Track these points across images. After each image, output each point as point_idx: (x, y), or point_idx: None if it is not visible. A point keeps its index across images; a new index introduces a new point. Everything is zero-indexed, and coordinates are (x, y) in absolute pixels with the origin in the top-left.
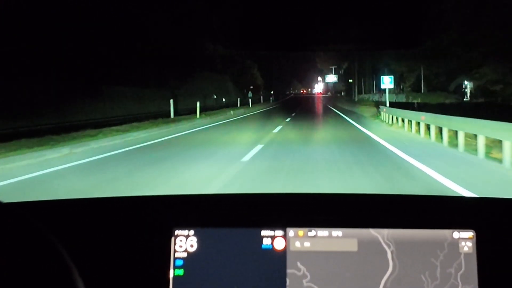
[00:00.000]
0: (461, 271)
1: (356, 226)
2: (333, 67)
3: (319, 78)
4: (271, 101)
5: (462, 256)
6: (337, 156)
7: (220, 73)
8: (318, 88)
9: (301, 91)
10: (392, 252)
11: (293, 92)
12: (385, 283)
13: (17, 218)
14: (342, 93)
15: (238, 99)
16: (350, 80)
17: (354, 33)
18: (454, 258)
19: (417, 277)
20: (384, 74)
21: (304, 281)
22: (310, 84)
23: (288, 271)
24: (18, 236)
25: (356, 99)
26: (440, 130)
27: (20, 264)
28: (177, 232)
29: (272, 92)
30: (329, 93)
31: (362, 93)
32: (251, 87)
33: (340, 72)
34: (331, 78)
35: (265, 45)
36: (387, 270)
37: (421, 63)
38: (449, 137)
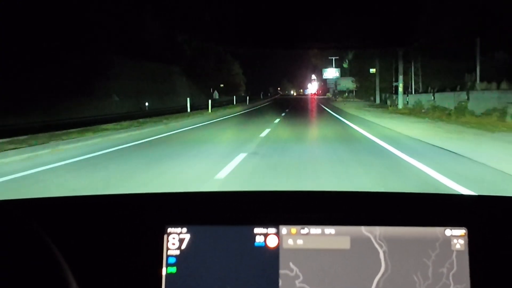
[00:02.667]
0: (453, 271)
1: (349, 223)
2: (333, 58)
3: (313, 76)
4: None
5: (454, 254)
6: None
7: (167, 63)
8: (313, 88)
9: (280, 92)
10: (384, 252)
11: (280, 93)
12: (378, 283)
13: (9, 216)
14: (346, 94)
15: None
16: (372, 70)
17: (347, 31)
18: (446, 257)
19: (409, 277)
20: None
21: (296, 281)
22: (302, 83)
23: (281, 271)
24: (10, 233)
25: (399, 104)
26: None
27: (11, 261)
28: (169, 229)
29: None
30: (328, 93)
31: (410, 92)
32: (222, 85)
33: (343, 64)
34: (331, 73)
35: (256, 43)
36: (379, 269)
37: None
38: None
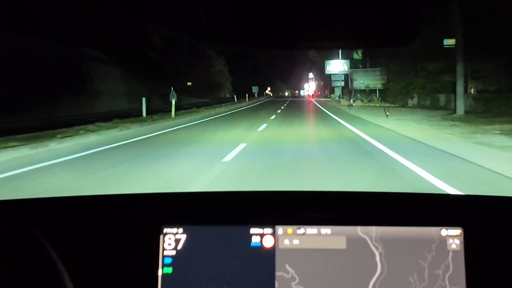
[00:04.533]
0: (449, 272)
1: (345, 223)
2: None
3: (310, 75)
4: None
5: (450, 254)
6: None
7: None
8: (310, 88)
9: (269, 93)
10: (380, 254)
11: (270, 94)
12: (374, 284)
13: (4, 215)
14: (359, 96)
15: None
16: (449, 41)
17: (344, 30)
18: (442, 259)
19: (405, 278)
20: None
21: (293, 283)
22: (298, 84)
23: (277, 273)
24: (5, 234)
25: None
26: None
27: (6, 261)
28: (165, 230)
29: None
30: (333, 95)
31: None
32: (189, 83)
33: (354, 54)
34: (337, 66)
35: (250, 42)
36: (375, 271)
37: None
38: None
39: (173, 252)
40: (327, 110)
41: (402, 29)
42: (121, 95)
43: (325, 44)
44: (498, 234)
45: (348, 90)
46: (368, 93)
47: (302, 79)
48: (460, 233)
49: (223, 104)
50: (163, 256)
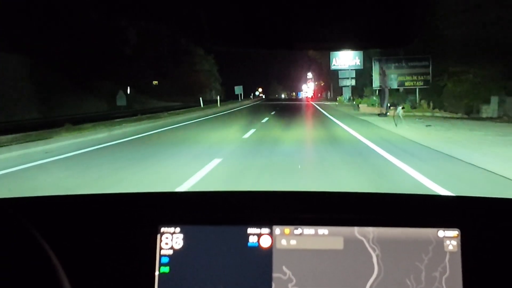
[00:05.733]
0: (446, 275)
1: (342, 224)
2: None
3: (309, 75)
4: None
5: (447, 256)
6: None
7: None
8: (309, 89)
9: (262, 95)
10: (377, 256)
11: (262, 96)
12: (371, 286)
13: (1, 214)
14: (374, 98)
15: None
16: None
17: (343, 30)
18: (439, 261)
19: (402, 280)
20: None
21: (289, 285)
22: (295, 85)
23: (274, 275)
24: (2, 232)
25: None
26: None
27: (3, 260)
28: (163, 229)
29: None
30: (341, 97)
31: None
32: (155, 83)
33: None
34: (346, 59)
35: (250, 42)
36: (372, 273)
37: None
38: None
39: (170, 252)
40: (360, 134)
41: (400, 29)
42: (24, 97)
43: (325, 45)
44: (495, 236)
45: (381, 91)
46: (404, 94)
47: (300, 81)
48: (457, 234)
49: (166, 113)
50: (160, 256)
